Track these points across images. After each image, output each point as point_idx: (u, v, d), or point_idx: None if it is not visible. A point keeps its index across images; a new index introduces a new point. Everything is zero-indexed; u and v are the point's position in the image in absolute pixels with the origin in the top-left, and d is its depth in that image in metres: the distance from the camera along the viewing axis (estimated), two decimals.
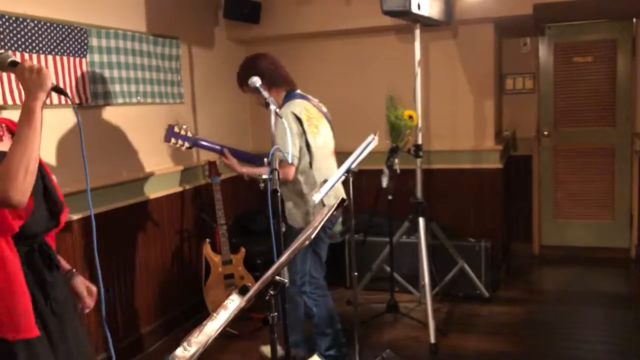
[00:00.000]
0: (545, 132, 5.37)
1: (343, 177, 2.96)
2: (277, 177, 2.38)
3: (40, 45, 2.95)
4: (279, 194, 2.37)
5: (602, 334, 3.70)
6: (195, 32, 4.33)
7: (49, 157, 3.03)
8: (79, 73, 3.21)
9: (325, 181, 2.90)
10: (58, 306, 1.78)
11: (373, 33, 4.66)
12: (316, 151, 3.07)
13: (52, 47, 3.02)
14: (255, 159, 3.33)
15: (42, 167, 1.81)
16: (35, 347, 1.68)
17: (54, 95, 2.76)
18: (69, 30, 3.13)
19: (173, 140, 3.37)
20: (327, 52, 4.88)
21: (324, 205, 3.05)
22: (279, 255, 2.26)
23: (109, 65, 3.44)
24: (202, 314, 4.00)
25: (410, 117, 3.84)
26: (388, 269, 4.12)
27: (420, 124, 3.86)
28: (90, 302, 1.97)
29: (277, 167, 2.42)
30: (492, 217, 4.67)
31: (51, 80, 1.65)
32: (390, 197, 3.91)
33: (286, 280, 1.58)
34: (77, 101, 3.19)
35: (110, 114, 3.48)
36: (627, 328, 3.77)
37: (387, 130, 3.92)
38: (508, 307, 4.19)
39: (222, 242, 3.82)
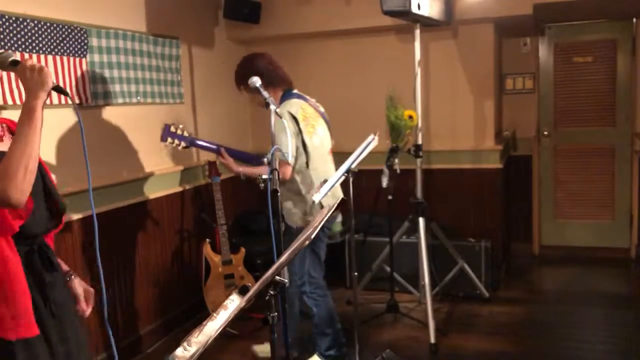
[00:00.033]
0: (545, 132, 5.37)
1: (343, 177, 2.96)
2: (277, 177, 2.38)
3: (40, 45, 2.95)
4: (278, 194, 2.37)
5: (602, 334, 3.70)
6: (195, 32, 4.33)
7: (49, 156, 3.03)
8: (79, 73, 3.21)
9: (325, 181, 2.90)
10: (57, 308, 1.78)
11: (373, 33, 4.66)
12: (312, 151, 3.06)
13: (52, 47, 3.02)
14: (252, 159, 3.33)
15: (41, 167, 1.81)
16: (35, 347, 1.68)
17: (54, 95, 2.77)
18: (69, 30, 3.13)
19: (169, 139, 3.34)
20: (327, 52, 4.88)
21: (322, 207, 3.06)
22: (279, 255, 2.26)
23: (109, 65, 3.44)
24: (202, 314, 4.00)
25: (410, 117, 3.84)
26: (388, 269, 4.12)
27: (420, 124, 3.86)
28: (85, 307, 1.95)
29: (278, 167, 2.42)
30: (492, 217, 4.67)
31: (52, 79, 1.65)
32: (390, 197, 3.91)
33: (286, 280, 1.58)
34: (77, 101, 3.18)
35: (110, 114, 3.48)
36: (627, 328, 3.77)
37: (387, 130, 3.92)
38: (508, 307, 4.19)
39: (222, 242, 3.82)
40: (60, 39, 3.07)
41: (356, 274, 3.10)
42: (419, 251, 3.90)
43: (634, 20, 5.04)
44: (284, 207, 3.12)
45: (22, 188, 1.56)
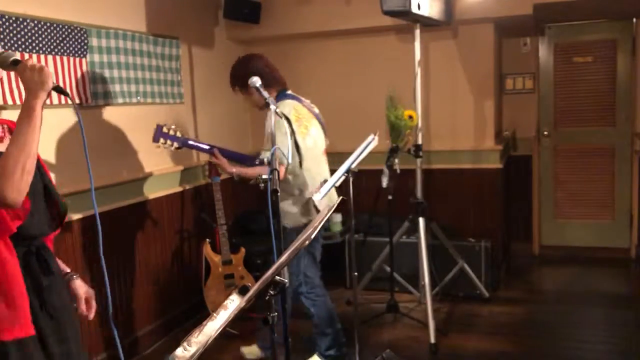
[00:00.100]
0: (545, 132, 5.37)
1: (343, 177, 2.96)
2: (277, 177, 2.38)
3: (40, 45, 2.95)
4: (278, 194, 2.37)
5: (602, 334, 3.70)
6: (195, 32, 4.33)
7: (49, 156, 3.03)
8: (79, 73, 3.21)
9: (325, 181, 2.90)
10: (55, 310, 1.77)
11: (373, 33, 4.66)
12: (305, 151, 3.06)
13: (52, 47, 3.02)
14: (245, 159, 3.33)
15: (41, 168, 1.80)
16: (28, 347, 1.67)
17: (55, 94, 2.77)
18: (69, 30, 3.13)
19: (162, 140, 3.30)
20: (327, 52, 4.88)
21: (317, 210, 3.06)
22: (279, 255, 2.26)
23: (109, 65, 3.43)
24: (202, 314, 4.00)
25: (410, 117, 3.84)
26: (388, 269, 4.11)
27: (420, 124, 3.86)
28: (84, 309, 1.94)
29: (277, 167, 2.42)
30: (492, 217, 4.67)
31: (52, 79, 1.65)
32: (390, 197, 3.91)
33: (286, 280, 1.59)
34: (77, 101, 3.18)
35: (110, 114, 3.48)
36: (627, 328, 3.77)
37: (387, 130, 3.92)
38: (508, 307, 4.19)
39: (222, 242, 3.82)
40: (60, 39, 3.07)
41: (356, 274, 3.10)
42: (419, 251, 3.90)
43: (634, 20, 5.04)
44: (281, 206, 3.11)
45: (19, 187, 1.56)
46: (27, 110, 1.60)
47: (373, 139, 3.14)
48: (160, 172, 3.86)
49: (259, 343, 3.38)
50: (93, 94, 3.31)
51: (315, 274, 3.20)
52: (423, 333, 3.67)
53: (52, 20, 3.02)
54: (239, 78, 3.13)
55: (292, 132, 3.01)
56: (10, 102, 2.74)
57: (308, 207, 3.09)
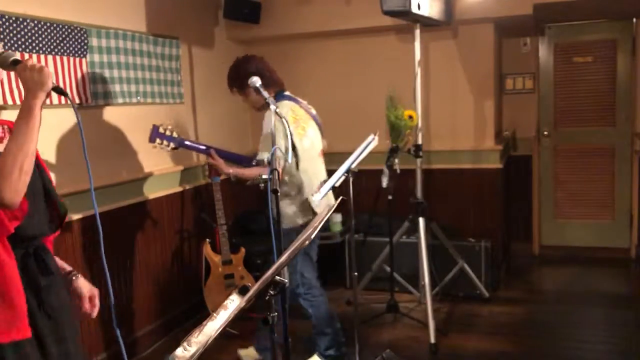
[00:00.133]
0: (545, 132, 5.37)
1: (343, 177, 2.95)
2: (277, 177, 2.38)
3: (40, 45, 2.95)
4: (279, 193, 2.37)
5: (602, 334, 3.70)
6: (195, 32, 4.33)
7: (49, 157, 3.03)
8: (79, 73, 3.21)
9: (325, 181, 2.90)
10: (53, 310, 1.76)
11: (373, 33, 4.66)
12: (302, 152, 3.06)
13: (52, 47, 3.02)
14: (242, 160, 3.32)
15: (42, 168, 1.80)
16: (25, 348, 1.66)
17: (54, 95, 2.76)
18: (69, 30, 3.13)
19: (158, 140, 3.30)
20: (327, 52, 4.88)
21: (313, 212, 3.06)
22: (279, 255, 2.26)
23: (109, 65, 3.44)
24: (202, 314, 4.00)
25: (410, 117, 3.84)
26: (388, 269, 4.11)
27: (420, 124, 3.86)
28: (88, 307, 1.93)
29: (278, 167, 2.42)
30: (492, 217, 4.67)
31: (52, 80, 1.64)
32: (390, 197, 3.91)
33: (286, 280, 1.59)
34: (77, 101, 3.19)
35: (110, 114, 3.48)
36: (627, 328, 3.77)
37: (387, 130, 3.92)
38: (508, 307, 4.19)
39: (222, 242, 3.81)
40: (60, 39, 3.07)
41: (356, 274, 3.10)
42: (419, 251, 3.90)
43: (634, 20, 5.04)
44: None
45: (16, 187, 1.54)
46: (25, 111, 1.60)
47: (373, 139, 3.13)
48: (160, 172, 3.86)
49: (256, 345, 3.38)
50: (93, 94, 3.31)
51: (312, 275, 3.20)
52: (423, 333, 3.67)
53: (52, 20, 3.02)
54: (237, 79, 3.13)
55: (290, 133, 3.01)
56: (10, 102, 2.74)
57: (304, 208, 3.09)
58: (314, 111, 3.30)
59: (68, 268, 1.97)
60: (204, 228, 4.20)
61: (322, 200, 3.01)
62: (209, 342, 1.31)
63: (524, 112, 5.29)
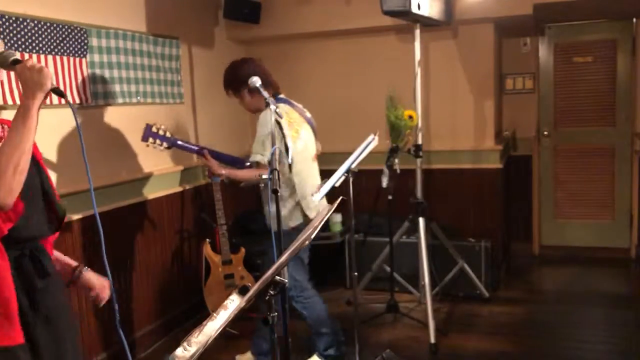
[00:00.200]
0: (545, 132, 5.37)
1: (343, 177, 2.95)
2: (277, 177, 2.37)
3: (40, 45, 2.95)
4: (279, 193, 2.37)
5: (602, 334, 3.70)
6: (195, 32, 4.33)
7: (49, 157, 3.03)
8: (79, 73, 3.21)
9: (325, 181, 2.90)
10: (50, 311, 1.75)
11: (373, 33, 4.66)
12: (296, 155, 3.06)
13: (52, 47, 3.02)
14: (236, 162, 3.32)
15: (41, 169, 1.79)
16: (17, 353, 1.63)
17: (54, 95, 2.77)
18: (69, 30, 3.13)
19: (150, 139, 3.29)
20: (327, 52, 4.87)
21: (305, 216, 3.06)
22: (279, 255, 2.26)
23: (109, 65, 3.43)
24: (202, 314, 4.00)
25: (410, 117, 3.84)
26: (388, 269, 4.11)
27: (420, 124, 3.86)
28: (104, 295, 1.98)
29: (278, 167, 2.42)
30: (492, 217, 4.67)
31: (52, 81, 1.63)
32: (390, 197, 3.91)
33: (286, 280, 1.58)
34: (77, 101, 3.18)
35: (110, 114, 3.48)
36: (627, 328, 3.77)
37: (387, 130, 3.92)
38: (508, 307, 4.19)
39: (222, 242, 3.81)
40: (60, 39, 3.07)
41: (356, 274, 3.10)
42: (419, 251, 3.90)
43: (634, 20, 5.04)
44: (265, 209, 3.10)
45: (10, 187, 1.53)
46: (23, 111, 1.59)
47: (373, 139, 3.13)
48: (160, 172, 3.86)
49: (252, 349, 3.37)
50: (93, 94, 3.31)
51: (303, 277, 3.19)
52: (423, 333, 3.67)
53: (52, 20, 3.02)
54: (232, 81, 3.15)
55: (283, 136, 3.02)
56: (10, 102, 2.74)
57: (296, 210, 3.09)
58: (308, 114, 3.30)
59: (74, 263, 1.96)
60: (204, 228, 4.20)
61: (315, 205, 3.01)
62: (209, 342, 1.31)
63: (524, 112, 5.29)
